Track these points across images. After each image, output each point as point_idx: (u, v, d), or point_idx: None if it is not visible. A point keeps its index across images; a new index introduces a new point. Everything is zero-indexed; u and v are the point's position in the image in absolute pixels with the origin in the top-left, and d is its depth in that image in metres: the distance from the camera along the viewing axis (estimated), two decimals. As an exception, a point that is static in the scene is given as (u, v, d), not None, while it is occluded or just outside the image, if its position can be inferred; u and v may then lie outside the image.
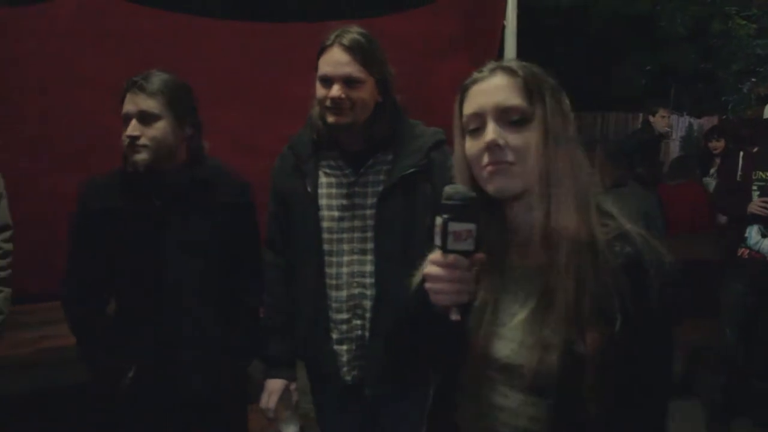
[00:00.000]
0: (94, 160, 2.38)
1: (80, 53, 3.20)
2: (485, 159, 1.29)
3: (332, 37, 2.11)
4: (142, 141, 2.15)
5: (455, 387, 1.41)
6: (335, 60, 2.08)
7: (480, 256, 1.25)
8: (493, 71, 1.34)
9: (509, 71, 1.32)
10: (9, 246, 2.49)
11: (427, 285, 1.25)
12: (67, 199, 2.33)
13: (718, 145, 6.76)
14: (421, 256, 1.43)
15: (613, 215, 1.33)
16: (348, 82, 2.08)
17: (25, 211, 2.52)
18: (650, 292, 1.23)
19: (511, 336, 1.32)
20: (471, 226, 1.21)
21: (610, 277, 1.22)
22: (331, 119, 2.11)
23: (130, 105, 2.16)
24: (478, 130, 1.32)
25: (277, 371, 2.31)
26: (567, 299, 1.23)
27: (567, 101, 1.34)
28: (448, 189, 1.24)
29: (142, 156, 2.15)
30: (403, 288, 1.47)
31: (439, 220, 1.22)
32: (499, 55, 3.75)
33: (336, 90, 2.07)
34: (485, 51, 3.79)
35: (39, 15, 3.33)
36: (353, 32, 2.11)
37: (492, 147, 1.27)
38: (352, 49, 2.07)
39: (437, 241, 1.23)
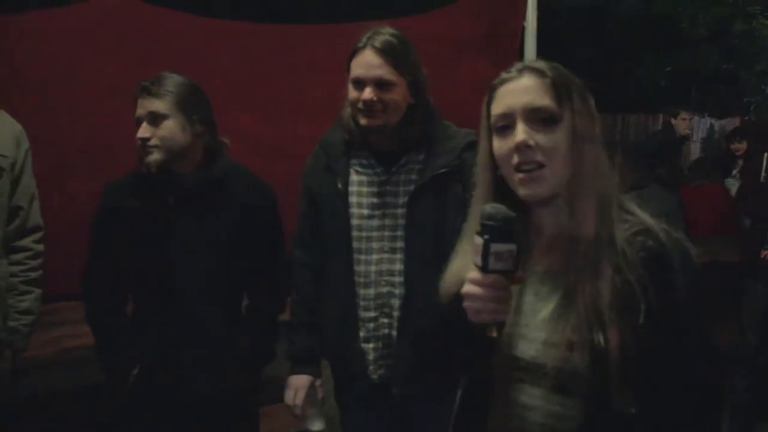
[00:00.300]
0: (112, 163, 2.41)
1: (100, 56, 3.24)
2: (515, 159, 1.30)
3: (364, 39, 2.12)
4: (153, 141, 2.18)
5: (483, 388, 1.42)
6: (367, 62, 2.09)
7: (519, 275, 1.26)
8: (521, 72, 1.36)
9: (538, 72, 1.34)
10: (40, 247, 2.53)
11: (466, 304, 1.25)
12: (84, 201, 2.36)
13: (740, 146, 6.70)
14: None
15: (633, 212, 1.33)
16: (380, 84, 2.09)
17: (44, 212, 2.54)
18: (675, 284, 1.23)
19: (535, 336, 1.34)
20: (512, 247, 1.21)
21: (632, 272, 1.23)
22: (363, 121, 2.13)
23: (140, 109, 2.21)
24: (507, 130, 1.33)
25: (303, 368, 2.33)
26: (587, 297, 1.24)
27: (593, 102, 1.36)
28: (488, 209, 1.24)
29: (154, 156, 2.19)
30: (432, 288, 1.48)
31: (479, 240, 1.22)
32: (520, 56, 3.74)
33: (368, 93, 2.08)
34: (506, 53, 3.79)
35: (59, 18, 3.37)
36: (385, 33, 2.12)
37: (522, 147, 1.29)
38: (384, 52, 2.08)
39: (477, 260, 1.22)
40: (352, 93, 2.14)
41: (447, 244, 2.06)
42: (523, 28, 3.83)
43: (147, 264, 2.26)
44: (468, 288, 1.25)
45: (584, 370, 1.24)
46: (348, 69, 2.16)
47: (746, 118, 12.52)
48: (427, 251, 2.13)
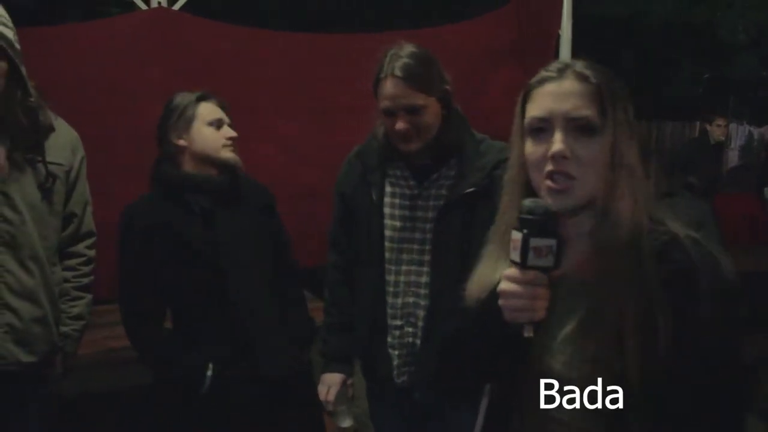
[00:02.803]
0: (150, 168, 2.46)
1: (142, 65, 3.30)
2: (548, 167, 1.24)
3: (384, 67, 2.09)
4: (234, 143, 2.38)
5: (510, 399, 1.39)
6: (392, 93, 2.07)
7: (559, 272, 1.21)
8: (562, 72, 1.28)
9: (581, 76, 1.25)
10: (92, 253, 2.53)
11: (502, 302, 1.21)
12: (121, 207, 2.41)
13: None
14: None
15: (663, 221, 1.27)
16: (410, 111, 2.08)
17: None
18: (701, 302, 1.16)
19: (562, 349, 1.29)
20: (552, 242, 1.16)
21: (656, 292, 1.17)
22: (402, 147, 2.14)
23: (219, 114, 2.39)
24: (543, 134, 1.26)
25: (336, 366, 2.41)
26: (611, 316, 1.19)
27: (632, 106, 1.29)
28: (527, 203, 1.20)
29: (236, 155, 2.39)
30: (456, 301, 1.46)
31: (518, 235, 1.17)
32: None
33: (401, 124, 2.08)
34: (540, 60, 3.78)
35: (101, 29, 3.46)
36: (403, 57, 2.08)
37: (558, 158, 1.22)
38: (407, 79, 2.05)
39: (515, 256, 1.18)
40: (386, 121, 2.14)
41: (473, 260, 2.11)
42: (558, 36, 3.84)
43: (200, 272, 2.32)
44: (505, 285, 1.20)
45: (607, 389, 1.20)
46: (375, 95, 2.15)
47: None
48: (453, 266, 2.11)
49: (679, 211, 1.32)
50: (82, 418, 3.38)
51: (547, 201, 1.24)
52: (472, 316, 1.38)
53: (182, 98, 2.39)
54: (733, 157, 12.21)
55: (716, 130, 6.72)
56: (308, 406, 2.57)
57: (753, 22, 12.31)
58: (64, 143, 2.40)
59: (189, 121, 2.35)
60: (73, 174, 2.42)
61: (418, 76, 2.07)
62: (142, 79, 3.28)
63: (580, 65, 1.28)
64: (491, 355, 1.36)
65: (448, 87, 2.17)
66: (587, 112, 1.23)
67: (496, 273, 1.30)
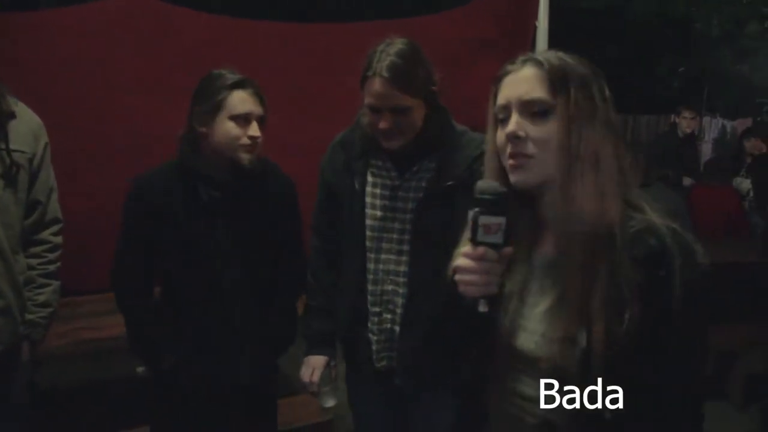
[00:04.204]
0: (130, 160, 2.43)
1: (119, 55, 3.27)
2: (508, 149, 1.31)
3: (372, 65, 2.06)
4: (259, 140, 2.26)
5: (484, 377, 1.44)
6: (379, 93, 2.05)
7: (509, 250, 1.28)
8: (524, 63, 1.35)
9: (537, 63, 1.32)
10: (58, 239, 2.50)
11: (457, 276, 1.28)
12: (100, 197, 2.37)
13: (755, 144, 6.72)
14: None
15: (641, 209, 1.30)
16: (395, 111, 2.07)
17: (63, 207, 2.56)
18: (670, 287, 1.19)
19: (534, 328, 1.34)
20: (501, 220, 1.24)
21: (626, 273, 1.20)
22: (384, 144, 2.15)
23: (253, 106, 2.27)
24: (506, 121, 1.33)
25: (319, 348, 2.44)
26: (579, 295, 1.23)
27: (601, 90, 1.32)
28: (480, 184, 1.27)
29: (255, 155, 2.27)
30: (434, 289, 1.49)
31: (470, 214, 1.25)
32: (531, 56, 3.75)
33: (384, 123, 2.08)
34: (518, 52, 3.79)
35: (79, 16, 3.41)
36: (392, 54, 2.05)
37: (512, 139, 1.29)
38: (394, 80, 2.03)
39: (468, 234, 1.25)
40: (370, 116, 2.13)
41: (451, 250, 2.12)
42: (535, 27, 3.85)
43: (194, 256, 2.28)
44: (459, 261, 1.27)
45: (574, 365, 1.23)
46: (361, 90, 2.13)
47: (758, 118, 12.50)
48: (431, 256, 2.12)
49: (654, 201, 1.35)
50: (57, 409, 3.37)
51: (509, 179, 1.31)
52: (445, 296, 1.41)
53: (216, 81, 2.26)
54: (706, 150, 12.35)
55: (684, 123, 6.78)
56: (268, 404, 2.58)
57: (726, 17, 12.41)
58: (26, 130, 2.36)
59: (215, 111, 2.22)
60: (36, 161, 2.39)
61: (406, 78, 2.05)
62: (117, 68, 3.25)
63: (542, 54, 1.36)
64: (462, 333, 1.42)
65: (434, 88, 2.15)
66: (538, 94, 1.29)
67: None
